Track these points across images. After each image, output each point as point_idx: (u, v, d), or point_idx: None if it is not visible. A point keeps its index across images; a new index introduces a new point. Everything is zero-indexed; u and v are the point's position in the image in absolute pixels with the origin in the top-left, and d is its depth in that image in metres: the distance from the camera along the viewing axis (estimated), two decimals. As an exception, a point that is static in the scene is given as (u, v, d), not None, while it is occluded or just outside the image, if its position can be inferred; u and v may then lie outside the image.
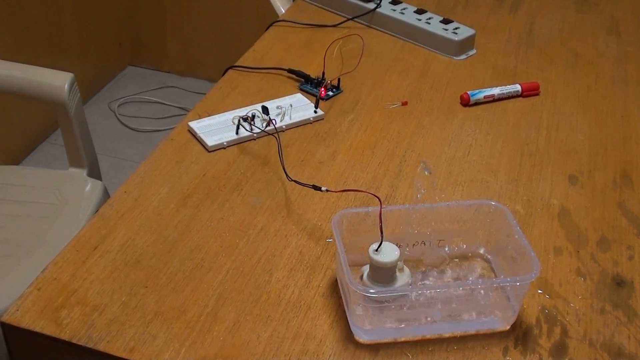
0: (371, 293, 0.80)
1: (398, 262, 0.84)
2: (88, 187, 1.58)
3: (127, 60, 3.19)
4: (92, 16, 2.85)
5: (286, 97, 1.25)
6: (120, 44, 3.09)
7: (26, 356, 0.86)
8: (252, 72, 1.34)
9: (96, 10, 2.86)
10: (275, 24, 1.53)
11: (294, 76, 1.33)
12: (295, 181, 1.03)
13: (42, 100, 1.55)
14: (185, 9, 2.98)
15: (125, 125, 2.84)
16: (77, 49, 2.81)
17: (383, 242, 0.84)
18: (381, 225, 0.82)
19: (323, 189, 0.98)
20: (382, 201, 0.84)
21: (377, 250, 0.83)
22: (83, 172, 1.62)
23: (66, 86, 1.52)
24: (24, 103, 2.45)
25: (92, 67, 2.95)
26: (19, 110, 2.51)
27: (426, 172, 0.88)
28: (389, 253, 0.83)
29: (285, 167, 1.07)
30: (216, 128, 1.15)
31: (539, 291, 0.90)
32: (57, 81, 1.53)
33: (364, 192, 1.03)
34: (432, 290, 0.84)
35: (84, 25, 2.81)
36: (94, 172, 1.64)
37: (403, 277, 0.86)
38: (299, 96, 1.26)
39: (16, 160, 2.57)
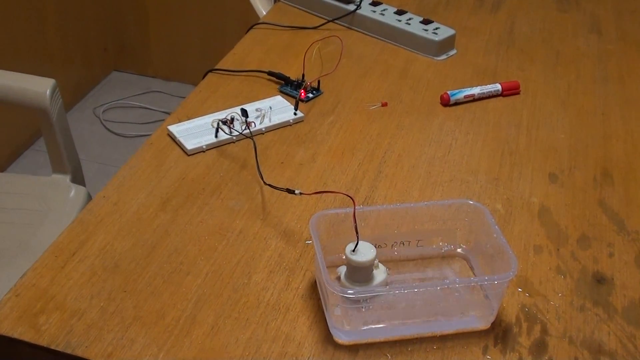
0: (349, 294, 0.80)
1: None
2: (72, 193, 1.57)
3: (111, 66, 3.18)
4: (76, 21, 2.84)
5: (266, 100, 1.25)
6: (104, 49, 3.09)
7: (5, 363, 0.86)
8: (232, 75, 1.34)
9: (80, 15, 2.85)
10: (256, 26, 1.53)
11: (273, 78, 1.32)
12: (269, 185, 1.03)
13: (24, 107, 1.54)
14: (169, 14, 2.97)
15: (110, 131, 2.83)
16: (61, 55, 2.80)
17: (359, 242, 0.83)
18: (355, 225, 0.82)
19: (297, 192, 0.98)
20: (355, 202, 0.84)
21: (353, 250, 0.83)
22: (66, 178, 1.61)
23: (48, 92, 1.52)
24: (7, 110, 2.42)
25: (76, 72, 2.95)
26: (2, 117, 2.50)
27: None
28: (365, 252, 0.83)
29: (263, 171, 1.07)
30: (195, 132, 1.15)
31: (519, 289, 0.90)
32: (38, 87, 1.53)
33: (338, 192, 1.03)
34: (411, 290, 0.84)
35: (68, 31, 2.81)
36: (78, 178, 1.64)
37: (379, 275, 0.85)
38: (279, 98, 1.26)
39: (0, 168, 2.56)
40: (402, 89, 1.32)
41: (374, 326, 0.83)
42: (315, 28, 1.52)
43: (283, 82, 1.31)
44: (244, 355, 0.80)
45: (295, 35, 1.50)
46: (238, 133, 1.15)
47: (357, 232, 0.83)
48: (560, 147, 1.18)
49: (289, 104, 1.24)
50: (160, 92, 3.06)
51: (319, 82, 1.30)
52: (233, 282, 0.89)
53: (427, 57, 1.44)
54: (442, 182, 1.09)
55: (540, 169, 1.13)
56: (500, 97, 1.31)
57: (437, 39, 1.42)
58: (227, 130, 1.15)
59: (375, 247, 0.85)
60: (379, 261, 0.86)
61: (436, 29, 1.45)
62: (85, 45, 2.95)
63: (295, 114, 1.21)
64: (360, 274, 0.84)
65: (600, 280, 0.93)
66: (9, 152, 2.60)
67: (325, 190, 1.06)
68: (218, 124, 1.15)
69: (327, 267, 0.80)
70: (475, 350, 0.82)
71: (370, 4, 1.54)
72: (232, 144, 1.15)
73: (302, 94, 1.26)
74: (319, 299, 0.87)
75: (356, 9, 1.51)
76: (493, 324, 0.86)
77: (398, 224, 0.91)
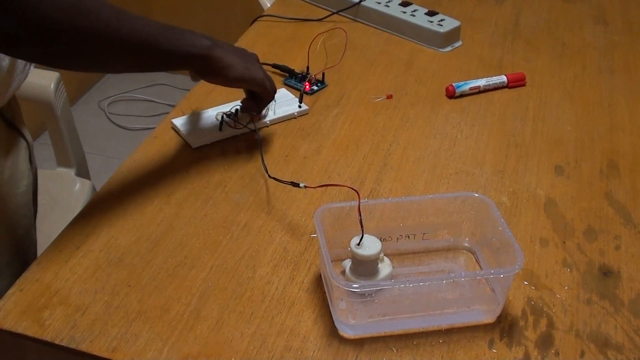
0: (354, 287, 0.80)
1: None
2: (77, 187, 1.57)
3: (116, 59, 3.17)
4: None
5: (271, 93, 1.24)
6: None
7: (9, 357, 0.86)
8: (237, 67, 1.33)
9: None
10: (260, 18, 1.52)
11: (278, 71, 1.32)
12: (274, 178, 1.02)
13: (28, 100, 1.54)
14: (173, 6, 2.97)
15: (116, 124, 2.83)
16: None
17: (364, 236, 0.83)
18: (360, 218, 0.82)
19: (301, 185, 0.97)
20: (360, 195, 0.83)
21: (358, 244, 0.83)
22: (71, 172, 1.61)
23: (52, 86, 1.51)
24: (12, 103, 2.43)
25: (81, 66, 2.94)
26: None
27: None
28: (370, 246, 0.83)
29: (267, 164, 1.06)
30: (200, 125, 1.15)
31: (525, 283, 0.90)
32: (43, 81, 1.52)
33: (343, 185, 1.03)
34: (416, 284, 0.84)
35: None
36: (82, 172, 1.64)
37: (385, 268, 0.85)
38: (284, 91, 1.25)
39: (6, 161, 2.56)
40: (407, 81, 1.32)
41: (379, 320, 0.83)
42: (319, 20, 1.51)
43: (287, 74, 1.31)
44: (248, 349, 0.80)
45: (299, 28, 1.49)
46: (242, 126, 1.14)
47: (362, 226, 0.83)
48: (566, 139, 1.17)
49: (293, 96, 1.23)
50: (166, 84, 3.06)
51: (323, 74, 1.29)
52: (237, 276, 0.89)
53: (432, 48, 1.43)
54: (447, 175, 1.08)
55: (546, 161, 1.12)
56: (506, 89, 1.30)
57: (442, 30, 1.41)
58: (231, 123, 1.14)
59: (380, 240, 0.84)
60: (384, 254, 0.86)
61: (441, 20, 1.44)
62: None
63: (299, 106, 1.21)
64: (365, 267, 0.84)
65: (606, 273, 0.92)
66: (14, 146, 2.60)
67: (330, 183, 1.05)
68: (222, 117, 1.14)
69: (332, 261, 0.80)
70: (481, 344, 0.82)
71: (375, -5, 1.53)
72: (236, 137, 1.14)
73: (307, 87, 1.25)
74: (324, 292, 0.87)
75: (361, 1, 1.50)
76: (499, 317, 0.85)
77: (403, 217, 0.91)
